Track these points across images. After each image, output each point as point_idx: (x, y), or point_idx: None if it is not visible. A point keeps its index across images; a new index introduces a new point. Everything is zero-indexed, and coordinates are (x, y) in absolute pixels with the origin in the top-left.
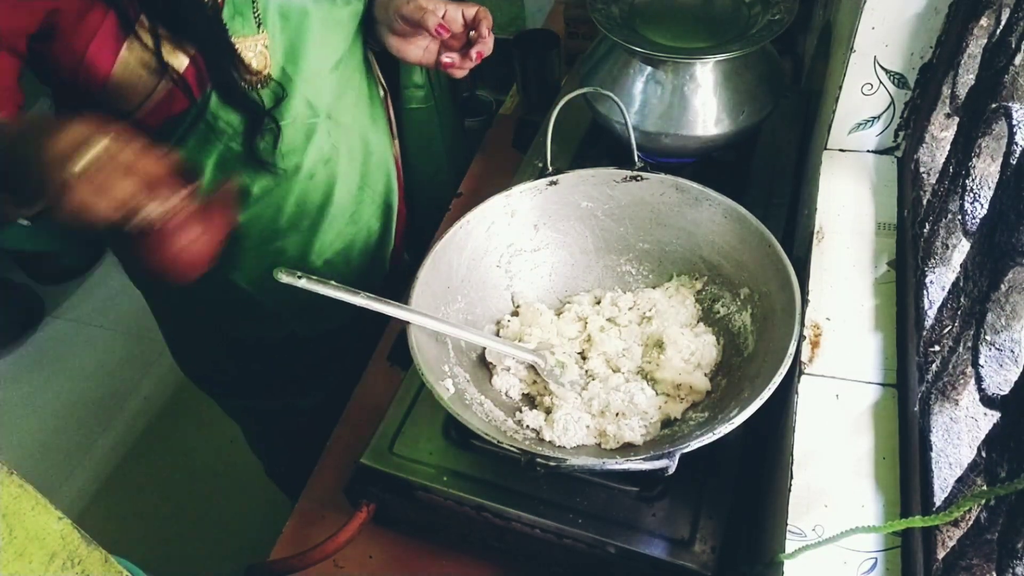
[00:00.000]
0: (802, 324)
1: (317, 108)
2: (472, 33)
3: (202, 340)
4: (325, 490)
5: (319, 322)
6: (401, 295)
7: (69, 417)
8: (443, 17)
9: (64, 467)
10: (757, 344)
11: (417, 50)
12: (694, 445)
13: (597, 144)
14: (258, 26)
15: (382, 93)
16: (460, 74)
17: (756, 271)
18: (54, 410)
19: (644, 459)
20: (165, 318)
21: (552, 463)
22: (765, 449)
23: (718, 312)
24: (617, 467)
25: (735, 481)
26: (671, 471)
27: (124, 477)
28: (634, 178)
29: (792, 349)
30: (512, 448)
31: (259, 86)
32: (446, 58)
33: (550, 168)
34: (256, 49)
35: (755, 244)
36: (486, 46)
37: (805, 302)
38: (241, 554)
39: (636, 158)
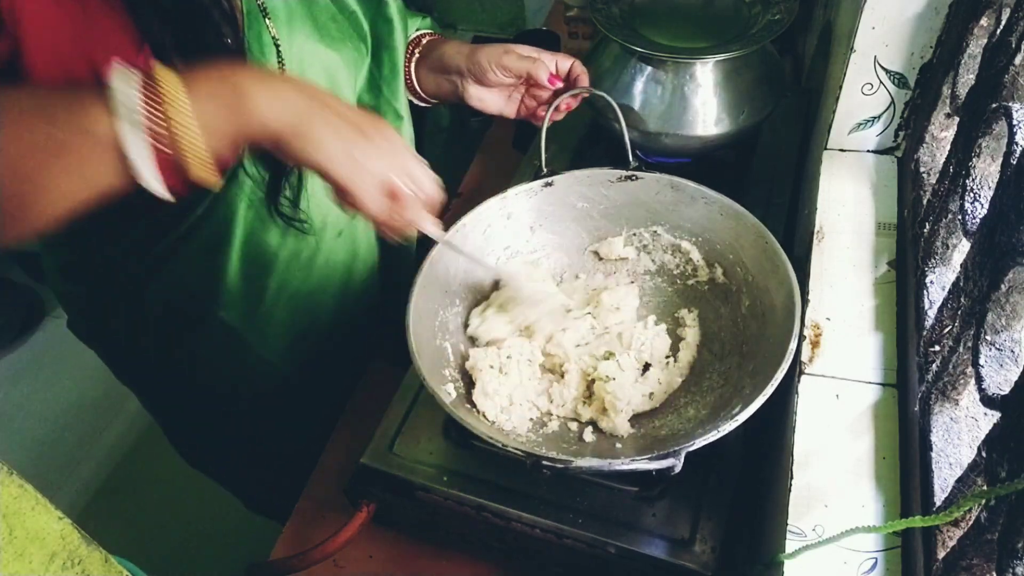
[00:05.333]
0: (802, 324)
1: None
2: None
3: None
4: (325, 490)
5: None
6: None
7: (69, 417)
8: (555, 68)
9: (64, 467)
10: (757, 343)
11: (500, 100)
12: (699, 443)
13: (596, 144)
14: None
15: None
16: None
17: (754, 268)
18: (54, 410)
19: (650, 459)
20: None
21: (559, 465)
22: (765, 449)
23: (717, 311)
24: (624, 468)
25: (735, 481)
26: (677, 470)
27: (124, 477)
28: (629, 177)
29: (792, 349)
30: (517, 451)
31: None
32: (540, 111)
33: (545, 169)
34: None
35: (752, 240)
36: (576, 100)
37: (805, 302)
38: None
39: (631, 157)
